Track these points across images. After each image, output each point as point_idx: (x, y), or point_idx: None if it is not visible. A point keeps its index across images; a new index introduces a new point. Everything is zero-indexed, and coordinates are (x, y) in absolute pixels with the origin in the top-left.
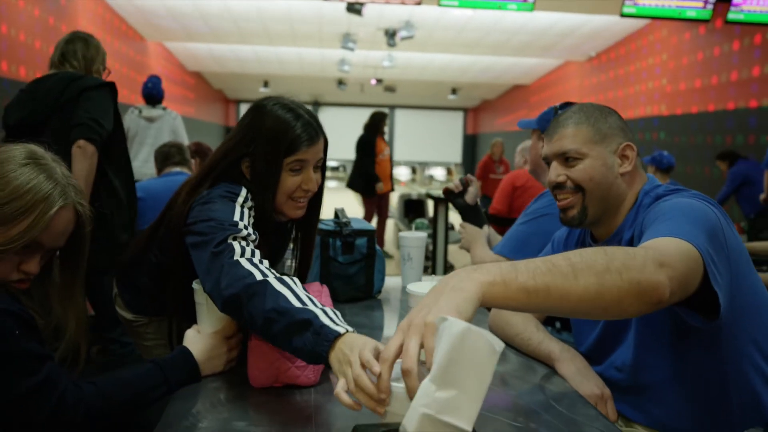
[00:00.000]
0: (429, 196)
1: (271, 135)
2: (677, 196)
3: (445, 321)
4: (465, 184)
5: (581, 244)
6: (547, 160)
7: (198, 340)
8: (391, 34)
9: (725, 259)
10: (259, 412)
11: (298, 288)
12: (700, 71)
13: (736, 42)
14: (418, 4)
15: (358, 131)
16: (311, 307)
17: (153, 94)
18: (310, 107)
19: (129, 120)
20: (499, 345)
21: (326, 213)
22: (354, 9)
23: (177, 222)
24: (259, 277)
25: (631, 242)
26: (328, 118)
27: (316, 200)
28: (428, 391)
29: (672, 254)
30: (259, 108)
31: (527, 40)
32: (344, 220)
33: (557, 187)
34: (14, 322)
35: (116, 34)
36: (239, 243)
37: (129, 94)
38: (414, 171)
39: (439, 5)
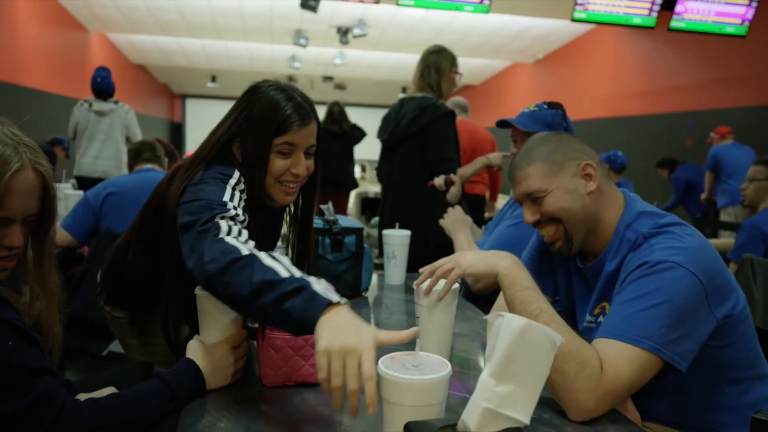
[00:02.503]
0: None
1: (261, 115)
2: (666, 244)
3: (501, 317)
4: (448, 185)
5: (560, 258)
6: (519, 203)
7: (203, 351)
8: (343, 32)
9: (702, 323)
10: (276, 412)
11: (287, 262)
12: (644, 75)
13: (678, 49)
14: (377, 2)
15: None
16: (304, 277)
17: (102, 89)
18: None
19: (78, 114)
20: (558, 338)
21: None
22: (308, 5)
23: (170, 205)
24: (245, 252)
25: (615, 275)
26: None
27: (310, 190)
28: (488, 386)
29: (619, 397)
30: (254, 89)
31: (478, 41)
32: (332, 218)
33: (536, 225)
34: (8, 332)
35: (56, 24)
36: (226, 222)
37: (68, 87)
38: (363, 169)
39: (398, 4)
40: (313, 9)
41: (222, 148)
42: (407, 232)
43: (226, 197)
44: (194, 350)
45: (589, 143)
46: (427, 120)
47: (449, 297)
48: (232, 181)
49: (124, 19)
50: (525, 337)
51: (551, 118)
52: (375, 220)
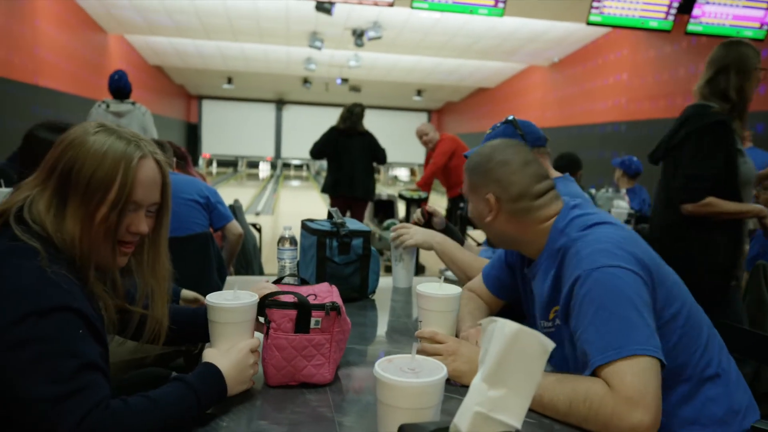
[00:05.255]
0: (401, 196)
1: None
2: (590, 248)
3: (494, 322)
4: (425, 216)
5: (520, 265)
6: None
7: (224, 356)
8: (358, 34)
9: (654, 308)
10: (278, 411)
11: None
12: (661, 78)
13: (696, 52)
14: (391, 5)
15: (322, 130)
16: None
17: (120, 86)
18: (273, 105)
19: (95, 114)
20: (550, 344)
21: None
22: (323, 8)
23: None
24: None
25: (558, 280)
26: (291, 116)
27: None
28: (480, 390)
29: (644, 397)
30: None
31: (492, 44)
32: (339, 220)
33: None
34: (82, 322)
35: (75, 25)
36: None
37: (86, 88)
38: (378, 171)
39: (412, 7)
40: (328, 12)
41: None
42: None
43: None
44: (213, 355)
45: (605, 147)
46: (688, 130)
47: (452, 303)
48: None
49: (142, 21)
50: (517, 342)
51: (500, 132)
52: (387, 222)
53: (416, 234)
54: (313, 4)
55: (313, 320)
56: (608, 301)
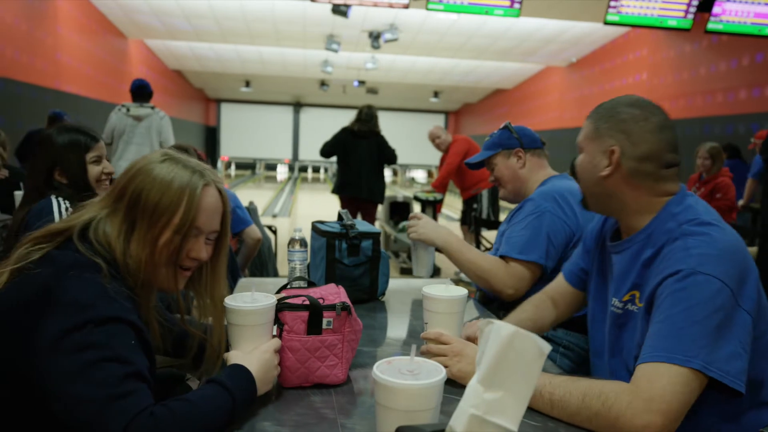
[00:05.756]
0: (416, 198)
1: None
2: (703, 249)
3: (491, 324)
4: None
5: (601, 242)
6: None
7: (249, 357)
8: (375, 37)
9: (742, 330)
10: (282, 412)
11: None
12: (681, 78)
13: (716, 51)
14: (406, 7)
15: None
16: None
17: (142, 86)
18: (291, 108)
19: (116, 118)
20: (547, 347)
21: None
22: (339, 11)
23: None
24: None
25: (650, 263)
26: (309, 119)
27: None
28: (476, 392)
29: (668, 404)
30: None
31: (509, 45)
32: (349, 222)
33: None
34: (135, 334)
35: (96, 31)
36: None
37: (108, 92)
38: (395, 173)
39: (427, 9)
40: (344, 14)
41: None
42: None
43: None
44: (239, 357)
45: None
46: None
47: (457, 305)
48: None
49: (161, 25)
50: (513, 344)
51: (497, 138)
52: (402, 224)
53: (421, 228)
54: (330, 6)
55: (324, 321)
56: (699, 309)
